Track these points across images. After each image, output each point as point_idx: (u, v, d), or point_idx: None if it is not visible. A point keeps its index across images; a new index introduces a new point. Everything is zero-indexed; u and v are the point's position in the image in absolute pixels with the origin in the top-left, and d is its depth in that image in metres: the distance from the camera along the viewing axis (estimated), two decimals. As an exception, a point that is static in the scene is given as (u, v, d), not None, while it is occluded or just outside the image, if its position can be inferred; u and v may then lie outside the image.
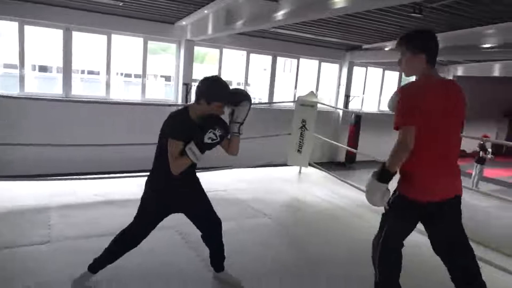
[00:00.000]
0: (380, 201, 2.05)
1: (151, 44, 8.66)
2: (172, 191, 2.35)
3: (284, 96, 10.46)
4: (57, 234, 3.20)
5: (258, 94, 10.45)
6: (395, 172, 1.99)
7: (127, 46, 8.60)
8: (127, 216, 3.09)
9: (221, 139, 2.23)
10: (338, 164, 10.93)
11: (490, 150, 9.44)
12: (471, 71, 11.73)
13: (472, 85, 13.06)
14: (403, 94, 2.01)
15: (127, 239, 2.47)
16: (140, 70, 8.52)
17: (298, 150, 5.23)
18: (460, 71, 12.16)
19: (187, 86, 8.71)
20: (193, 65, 8.82)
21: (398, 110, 1.98)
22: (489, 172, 10.49)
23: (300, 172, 5.67)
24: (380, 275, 2.19)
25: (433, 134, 1.97)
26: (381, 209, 4.25)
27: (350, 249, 3.43)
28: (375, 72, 11.83)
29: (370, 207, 4.54)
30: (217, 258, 2.61)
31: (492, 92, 13.77)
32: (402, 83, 12.26)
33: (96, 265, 2.47)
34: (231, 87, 2.35)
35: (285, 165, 5.75)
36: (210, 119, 2.23)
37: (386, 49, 9.59)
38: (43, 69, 9.85)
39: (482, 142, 8.93)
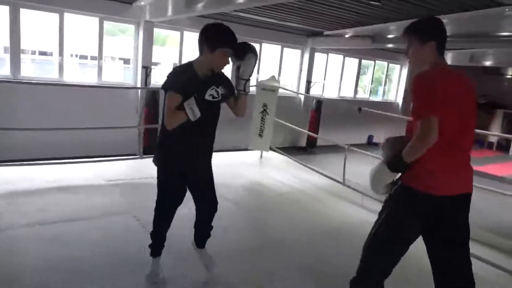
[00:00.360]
0: (385, 190, 1.94)
1: (109, 25, 8.27)
2: (182, 156, 2.24)
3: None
4: (6, 222, 3.04)
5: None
6: (411, 163, 1.81)
7: (82, 26, 8.16)
8: (80, 203, 3.01)
9: (223, 98, 2.11)
10: (300, 149, 11.10)
11: None
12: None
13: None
14: (420, 82, 1.84)
15: (161, 212, 2.42)
16: (96, 52, 8.14)
17: (259, 135, 5.26)
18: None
19: (146, 69, 8.44)
20: (152, 47, 8.54)
21: (417, 100, 1.82)
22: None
23: (261, 156, 5.72)
24: (363, 262, 2.01)
25: (451, 126, 1.82)
26: (341, 192, 4.38)
27: (310, 231, 3.53)
28: (335, 59, 12.04)
29: (329, 190, 4.70)
30: (201, 234, 2.53)
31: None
32: (362, 70, 12.61)
33: (155, 248, 2.43)
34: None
35: (247, 149, 5.77)
36: (215, 76, 2.10)
37: (346, 36, 9.75)
38: (-12, 48, 9.16)
39: None
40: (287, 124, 6.04)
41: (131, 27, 8.44)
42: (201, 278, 2.58)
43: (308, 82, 11.31)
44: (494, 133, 11.79)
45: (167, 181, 2.34)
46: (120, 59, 10.05)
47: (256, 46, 10.40)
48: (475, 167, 2.01)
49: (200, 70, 2.13)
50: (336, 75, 12.23)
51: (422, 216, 1.89)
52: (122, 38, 9.08)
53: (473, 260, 1.90)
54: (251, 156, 5.72)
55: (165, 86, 2.09)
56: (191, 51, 9.85)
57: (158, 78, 9.25)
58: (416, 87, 1.83)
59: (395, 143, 1.92)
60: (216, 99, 2.06)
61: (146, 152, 6.86)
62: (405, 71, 13.54)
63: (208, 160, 2.39)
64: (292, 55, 11.23)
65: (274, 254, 2.99)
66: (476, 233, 3.38)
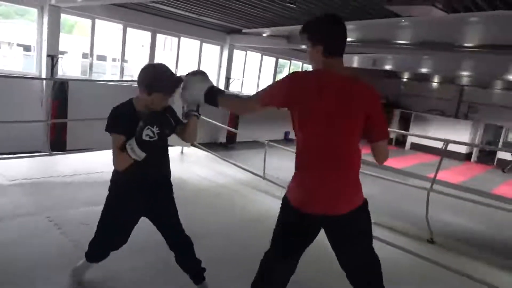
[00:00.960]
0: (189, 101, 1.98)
1: (2, 7, 7.39)
2: (131, 186, 2.11)
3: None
4: None
5: (136, 71, 9.93)
6: (216, 105, 1.92)
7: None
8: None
9: (160, 137, 1.94)
10: (220, 145, 11.19)
11: None
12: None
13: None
14: (286, 77, 1.82)
15: (100, 245, 2.22)
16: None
17: (181, 130, 5.21)
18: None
19: (52, 58, 7.74)
20: (59, 34, 7.86)
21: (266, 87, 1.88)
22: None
23: (182, 152, 5.67)
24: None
25: (315, 133, 1.76)
26: (261, 186, 4.52)
27: (232, 222, 3.62)
28: (254, 57, 12.34)
29: (250, 184, 4.82)
30: (191, 273, 2.34)
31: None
32: (278, 69, 13.12)
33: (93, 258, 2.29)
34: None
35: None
36: (151, 114, 1.96)
37: (264, 35, 10.07)
38: None
39: None
40: (209, 120, 6.03)
41: (31, 10, 7.66)
42: (126, 277, 2.50)
43: (228, 78, 11.43)
44: (394, 130, 13.17)
45: (114, 215, 2.18)
46: (19, 45, 9.09)
47: (175, 40, 10.21)
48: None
49: (139, 107, 2.05)
50: (254, 72, 12.55)
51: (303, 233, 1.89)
52: (20, 22, 8.22)
53: (377, 243, 2.13)
54: (172, 151, 5.63)
55: (107, 128, 2.02)
56: (104, 42, 9.30)
57: (66, 68, 8.57)
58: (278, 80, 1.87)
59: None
60: (153, 139, 1.93)
61: (53, 148, 6.34)
62: (317, 71, 14.41)
63: (163, 190, 2.25)
64: (211, 51, 11.24)
65: (196, 245, 3.01)
66: (380, 218, 3.79)
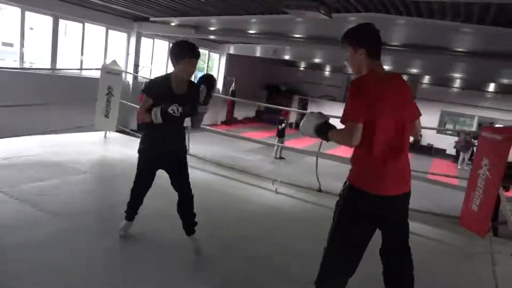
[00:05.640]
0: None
1: None
2: (155, 148, 2.65)
3: (69, 63, 9.94)
4: None
5: (34, 58, 9.42)
6: (326, 138, 1.99)
7: None
8: None
9: (181, 115, 2.53)
10: (131, 130, 11.26)
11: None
12: (240, 51, 14.11)
13: (241, 62, 15.65)
14: (352, 90, 1.90)
15: (134, 187, 2.87)
16: None
17: (106, 115, 5.50)
18: (232, 49, 14.42)
19: None
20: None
21: (346, 106, 1.89)
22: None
23: (105, 136, 5.98)
24: (324, 262, 2.02)
25: (384, 128, 1.87)
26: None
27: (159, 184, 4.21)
28: (162, 45, 12.58)
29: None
30: (185, 223, 2.85)
31: (255, 68, 17.00)
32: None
33: (129, 214, 2.90)
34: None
35: (89, 131, 5.91)
36: (185, 94, 2.57)
37: (172, 24, 10.41)
38: None
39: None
40: (132, 104, 6.32)
41: None
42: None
43: (136, 66, 11.51)
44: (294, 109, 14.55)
45: (141, 166, 2.77)
46: None
47: (79, 26, 9.97)
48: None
49: (174, 80, 2.59)
50: (163, 59, 12.81)
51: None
52: None
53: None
54: (96, 135, 5.90)
55: (143, 89, 2.54)
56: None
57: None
58: (349, 92, 1.92)
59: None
60: (175, 114, 2.51)
61: None
62: (223, 60, 15.17)
63: (176, 150, 2.74)
64: (119, 38, 11.19)
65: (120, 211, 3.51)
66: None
